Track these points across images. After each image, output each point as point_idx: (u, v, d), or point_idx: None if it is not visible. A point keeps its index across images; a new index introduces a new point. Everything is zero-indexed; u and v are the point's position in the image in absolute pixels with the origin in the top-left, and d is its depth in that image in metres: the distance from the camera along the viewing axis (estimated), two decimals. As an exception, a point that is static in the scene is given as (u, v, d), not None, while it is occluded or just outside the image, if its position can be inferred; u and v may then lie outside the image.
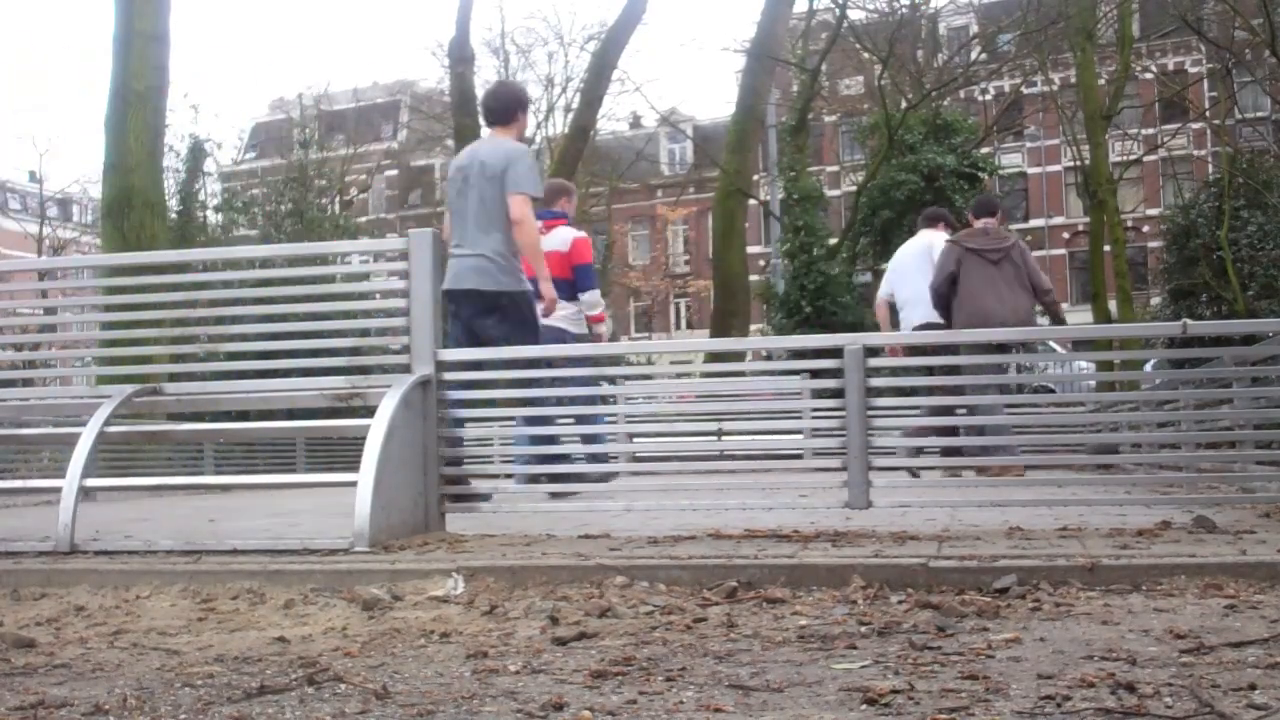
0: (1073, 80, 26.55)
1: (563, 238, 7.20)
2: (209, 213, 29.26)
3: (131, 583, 3.44)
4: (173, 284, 4.92)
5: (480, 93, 27.11)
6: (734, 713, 1.85)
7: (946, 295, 7.64)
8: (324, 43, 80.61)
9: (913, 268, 8.36)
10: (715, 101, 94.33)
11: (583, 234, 7.42)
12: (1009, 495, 4.61)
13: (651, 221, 48.84)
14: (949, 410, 5.16)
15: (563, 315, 7.01)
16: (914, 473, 6.02)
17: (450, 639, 2.64)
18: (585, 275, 7.28)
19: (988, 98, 33.46)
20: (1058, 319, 8.35)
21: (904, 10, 24.12)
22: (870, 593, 2.98)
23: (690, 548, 3.61)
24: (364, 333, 4.84)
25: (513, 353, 5.12)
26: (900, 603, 2.88)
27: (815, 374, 4.63)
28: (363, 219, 40.65)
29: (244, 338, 4.84)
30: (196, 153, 27.89)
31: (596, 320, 7.49)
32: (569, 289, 7.07)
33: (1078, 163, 26.81)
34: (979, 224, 8.00)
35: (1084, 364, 14.92)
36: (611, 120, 36.93)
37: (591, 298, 7.36)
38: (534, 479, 5.55)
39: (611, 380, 7.71)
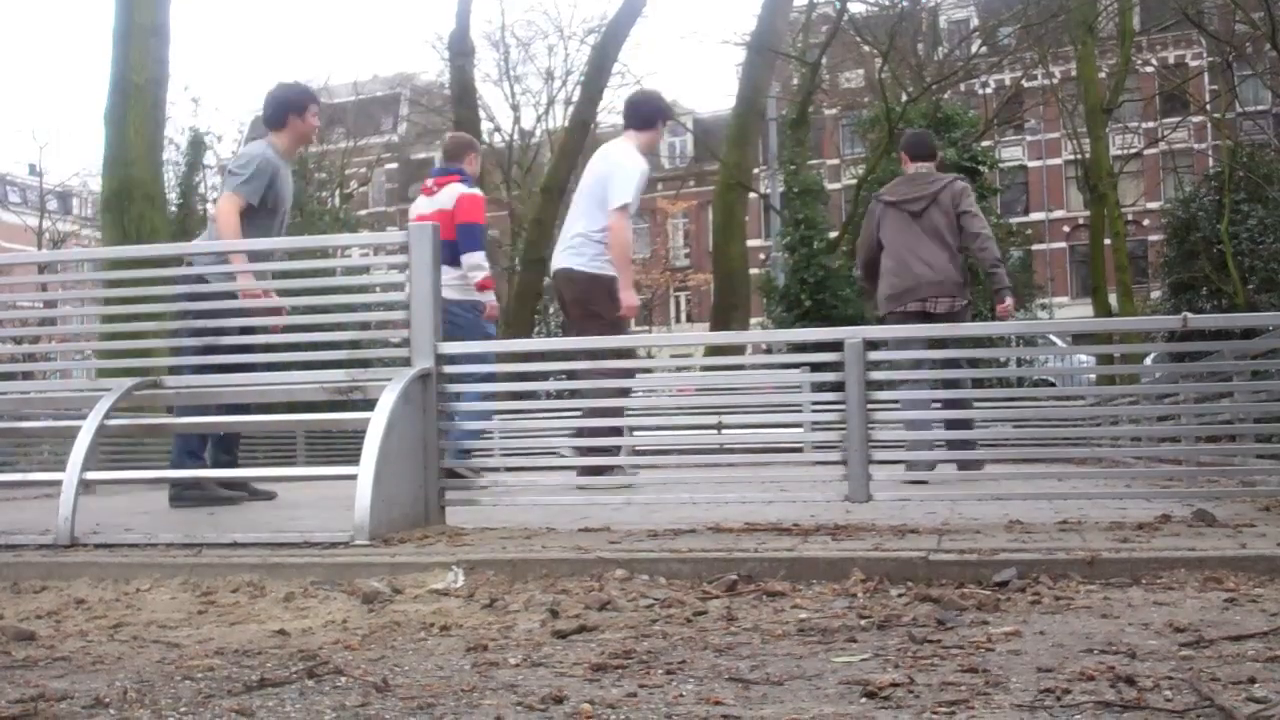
0: (1073, 74, 26.55)
1: (451, 194, 6.87)
2: (209, 206, 29.25)
3: (132, 575, 3.44)
4: (173, 277, 4.91)
5: (480, 86, 27.10)
6: (734, 705, 1.85)
7: (872, 260, 6.80)
8: (324, 36, 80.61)
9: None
10: (715, 95, 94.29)
11: (475, 191, 6.97)
12: (1009, 489, 4.62)
13: (652, 215, 48.78)
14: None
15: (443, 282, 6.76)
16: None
17: (450, 632, 2.64)
18: (468, 235, 6.76)
19: (988, 91, 33.42)
20: (992, 275, 6.72)
21: (904, 3, 24.07)
22: (870, 586, 2.98)
23: (690, 541, 3.61)
24: (364, 326, 4.84)
25: (512, 345, 5.12)
26: (900, 596, 2.88)
27: (815, 367, 4.64)
28: (363, 212, 40.66)
29: (245, 331, 4.84)
30: (196, 146, 27.91)
31: (483, 287, 6.93)
32: (451, 251, 6.55)
33: (1078, 156, 26.83)
34: (911, 168, 6.87)
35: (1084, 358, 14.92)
36: (612, 113, 36.80)
37: (472, 259, 6.81)
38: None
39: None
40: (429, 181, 7.09)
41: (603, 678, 2.09)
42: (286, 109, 5.90)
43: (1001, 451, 5.01)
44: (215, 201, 5.63)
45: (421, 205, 7.07)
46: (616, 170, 6.10)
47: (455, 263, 6.65)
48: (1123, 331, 19.59)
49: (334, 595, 3.13)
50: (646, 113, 6.39)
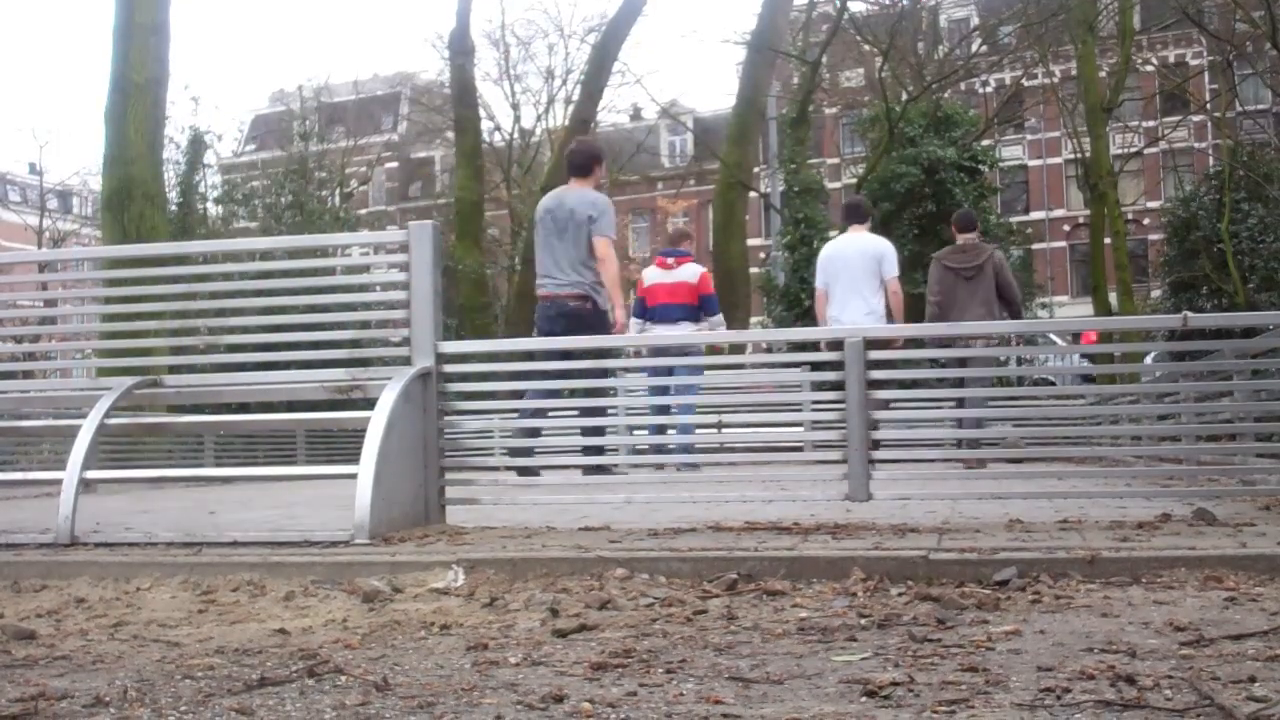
0: (1073, 73, 26.55)
1: (693, 271, 8.95)
2: (209, 205, 29.24)
3: (132, 574, 3.44)
4: (172, 276, 4.91)
5: (480, 85, 27.11)
6: (734, 704, 1.85)
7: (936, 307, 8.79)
8: (324, 35, 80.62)
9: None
10: (716, 94, 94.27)
11: (705, 269, 9.19)
12: (1009, 488, 4.62)
13: (652, 214, 48.77)
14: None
15: (687, 332, 8.63)
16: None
17: (450, 631, 2.64)
18: (713, 301, 9.00)
19: (988, 90, 33.42)
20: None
21: (904, 2, 24.05)
22: (870, 585, 2.98)
23: (690, 540, 3.61)
24: (364, 325, 4.84)
25: (512, 344, 5.12)
26: (900, 595, 2.88)
27: (816, 366, 4.65)
28: (363, 211, 40.64)
29: (244, 330, 4.84)
30: (196, 145, 27.85)
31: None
32: (694, 312, 8.84)
33: (1078, 155, 26.78)
34: (960, 238, 8.96)
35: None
36: (612, 112, 36.90)
37: (719, 318, 9.08)
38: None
39: (611, 372, 7.71)
40: (669, 260, 9.05)
41: (603, 676, 2.09)
42: (594, 160, 7.05)
43: (1002, 450, 5.01)
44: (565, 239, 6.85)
45: (661, 275, 8.96)
46: (887, 252, 8.53)
47: (696, 319, 8.83)
48: (1123, 330, 19.58)
49: (334, 594, 3.13)
50: (867, 209, 9.09)
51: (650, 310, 8.96)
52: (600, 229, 6.70)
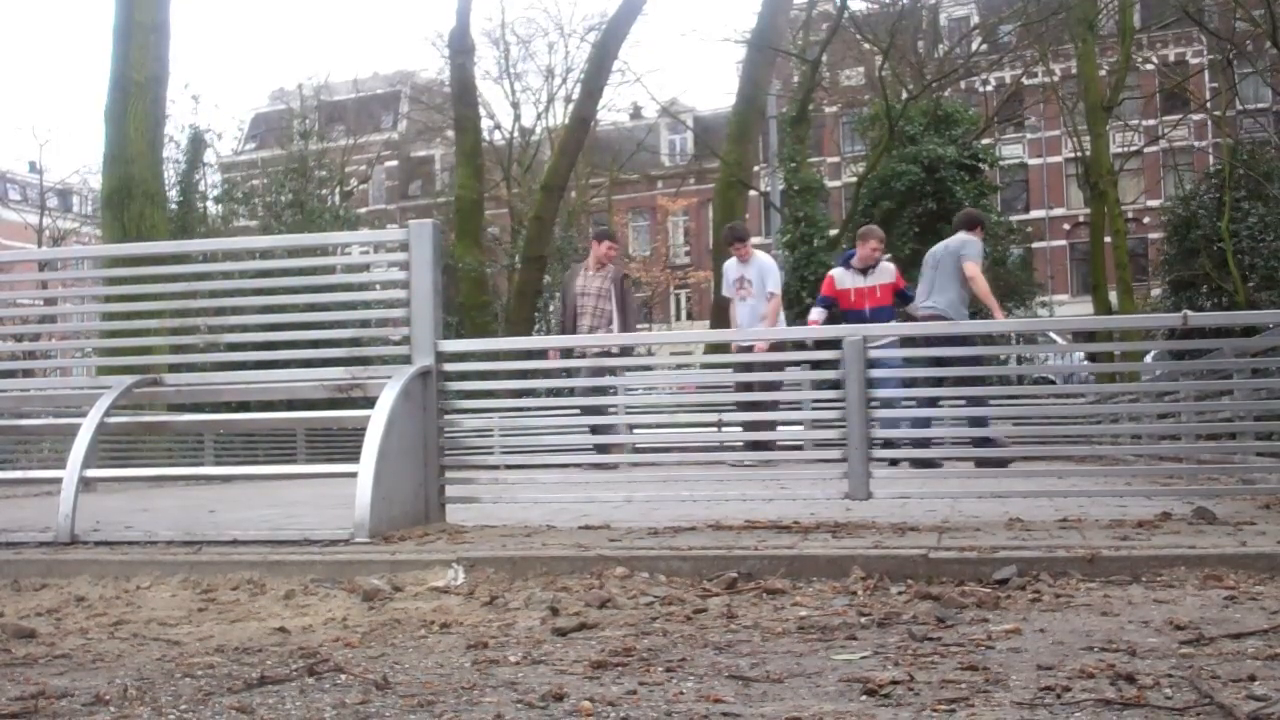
0: (1073, 71, 26.55)
1: (889, 270, 9.42)
2: (209, 203, 29.24)
3: (132, 573, 3.44)
4: (172, 275, 4.91)
5: (480, 84, 27.09)
6: (734, 703, 1.85)
7: None
8: (324, 33, 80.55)
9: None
10: (716, 92, 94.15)
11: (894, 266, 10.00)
12: (1009, 486, 4.62)
13: (652, 212, 48.77)
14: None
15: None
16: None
17: (450, 630, 2.64)
18: (909, 293, 9.63)
19: (988, 89, 33.43)
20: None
21: (905, 1, 24.05)
22: (870, 584, 2.98)
23: (690, 539, 3.61)
24: (364, 323, 4.84)
25: (512, 343, 5.12)
26: (900, 594, 2.88)
27: (816, 365, 4.65)
28: (363, 210, 40.64)
29: (244, 329, 4.84)
30: (196, 143, 27.84)
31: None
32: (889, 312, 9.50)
33: (1078, 154, 26.77)
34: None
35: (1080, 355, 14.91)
36: (612, 111, 36.93)
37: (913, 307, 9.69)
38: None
39: (611, 371, 7.70)
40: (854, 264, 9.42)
41: (603, 675, 2.09)
42: (975, 222, 8.88)
43: (1001, 449, 5.01)
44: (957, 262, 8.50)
45: (852, 279, 9.26)
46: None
47: (891, 317, 9.23)
48: (1123, 329, 19.58)
49: (334, 593, 3.13)
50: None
51: (845, 313, 9.42)
52: (968, 255, 8.49)
